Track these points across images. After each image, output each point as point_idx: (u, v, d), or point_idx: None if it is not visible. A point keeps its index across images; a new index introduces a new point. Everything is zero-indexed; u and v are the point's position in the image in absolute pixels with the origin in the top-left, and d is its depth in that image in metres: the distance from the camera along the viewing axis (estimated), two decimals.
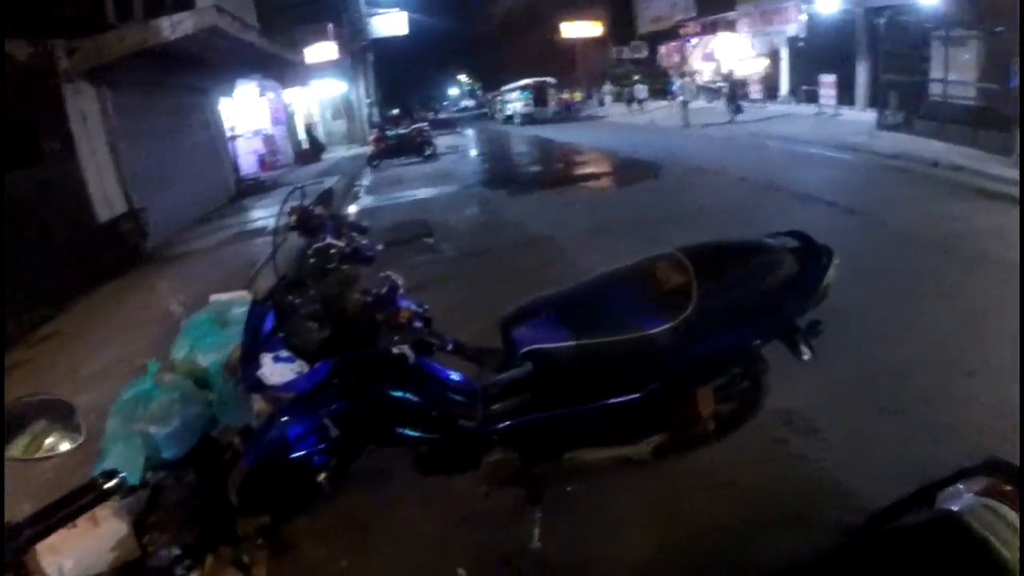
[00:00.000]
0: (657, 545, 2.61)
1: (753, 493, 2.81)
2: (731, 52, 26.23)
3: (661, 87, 29.70)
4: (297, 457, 2.36)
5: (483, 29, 61.71)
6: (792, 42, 21.97)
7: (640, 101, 29.06)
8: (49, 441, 1.35)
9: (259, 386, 2.27)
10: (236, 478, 2.47)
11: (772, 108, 21.90)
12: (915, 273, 5.24)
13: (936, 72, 12.41)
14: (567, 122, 30.72)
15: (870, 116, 14.87)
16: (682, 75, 25.09)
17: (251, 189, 16.01)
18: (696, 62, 29.19)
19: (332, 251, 2.48)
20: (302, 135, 25.02)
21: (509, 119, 36.50)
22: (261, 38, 13.43)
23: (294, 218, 2.74)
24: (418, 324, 2.29)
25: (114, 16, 9.23)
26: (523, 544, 2.55)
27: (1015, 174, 7.91)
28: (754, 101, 23.45)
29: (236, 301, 4.14)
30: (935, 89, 12.46)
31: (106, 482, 1.21)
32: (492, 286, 6.19)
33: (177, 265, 8.77)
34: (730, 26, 26.04)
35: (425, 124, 22.04)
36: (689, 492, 2.84)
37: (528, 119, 33.39)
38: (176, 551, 2.51)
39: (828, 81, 18.29)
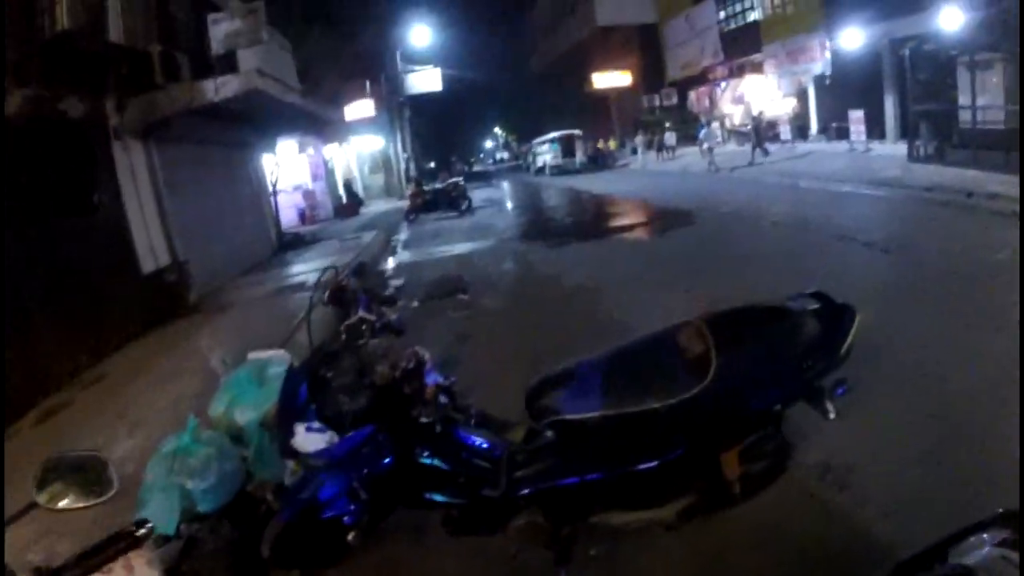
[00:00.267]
0: None
1: (783, 553, 2.76)
2: (760, 93, 26.39)
3: (691, 133, 30.03)
4: (329, 516, 2.42)
5: (517, 82, 63.08)
6: (819, 80, 22.10)
7: (671, 148, 29.37)
8: (74, 495, 1.43)
9: (293, 452, 2.36)
10: (271, 533, 2.53)
11: (802, 147, 21.91)
12: (956, 310, 5.15)
13: (964, 98, 12.32)
14: (598, 171, 31.04)
15: (901, 149, 14.79)
16: (708, 121, 25.27)
17: (292, 243, 16.36)
18: (726, 105, 29.46)
19: (363, 327, 2.57)
20: (341, 190, 25.60)
21: (540, 170, 37.61)
22: (301, 98, 13.91)
23: (328, 293, 2.85)
24: (443, 399, 2.38)
25: (162, 77, 9.68)
26: None
27: None
28: (784, 141, 23.50)
29: (274, 360, 4.22)
30: (964, 116, 12.36)
31: (138, 530, 1.28)
32: (527, 342, 6.19)
33: (219, 317, 8.99)
34: (757, 68, 26.33)
35: (460, 179, 22.45)
36: (717, 554, 2.80)
37: (558, 170, 34.48)
38: None
39: (857, 116, 18.29)
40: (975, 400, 3.72)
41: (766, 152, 20.36)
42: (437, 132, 63.62)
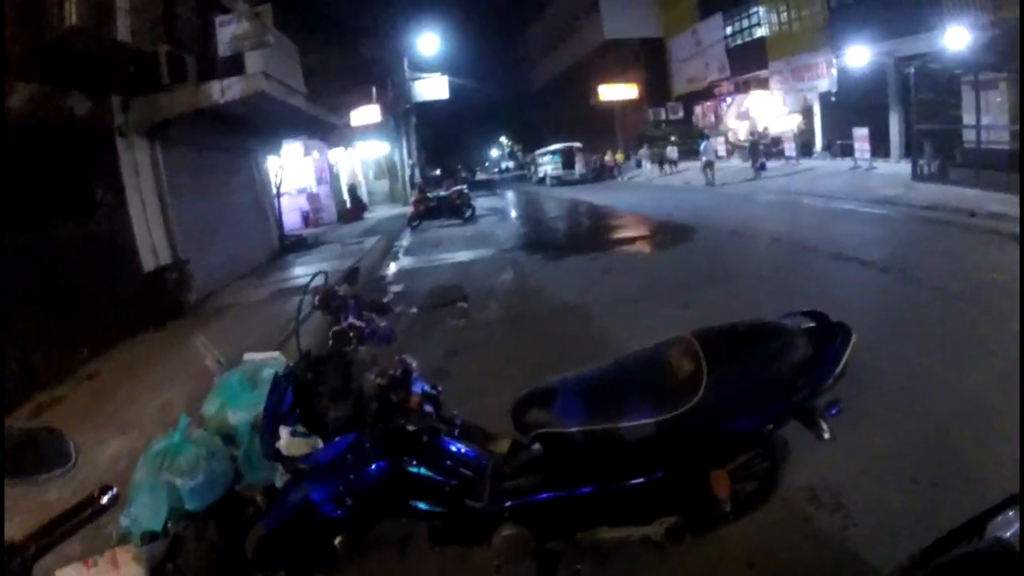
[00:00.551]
0: None
1: (772, 573, 2.74)
2: (765, 110, 26.47)
3: (695, 148, 30.24)
4: (315, 521, 2.41)
5: (524, 92, 63.32)
6: (824, 97, 22.16)
7: (672, 162, 29.49)
8: (30, 470, 1.38)
9: (278, 456, 2.35)
10: (254, 538, 2.52)
11: (806, 164, 21.95)
12: (953, 331, 5.14)
13: (968, 118, 12.35)
14: (598, 182, 31.16)
15: (905, 168, 14.81)
16: (706, 136, 25.38)
17: (294, 246, 16.39)
18: (731, 121, 29.54)
19: (351, 333, 2.57)
20: (345, 194, 25.68)
21: (541, 180, 38.51)
22: (307, 102, 13.94)
23: (318, 299, 2.85)
24: (428, 408, 2.37)
25: (168, 78, 9.72)
26: None
27: None
28: (789, 158, 23.57)
29: (268, 362, 4.23)
30: (968, 135, 12.40)
31: (102, 496, 1.27)
32: (524, 353, 6.21)
33: (218, 318, 8.99)
34: (763, 84, 26.45)
35: (464, 187, 22.53)
36: (704, 573, 2.78)
37: (557, 181, 35.47)
38: None
39: (861, 135, 18.32)
40: (969, 424, 3.70)
41: (764, 167, 20.47)
42: (443, 140, 63.82)
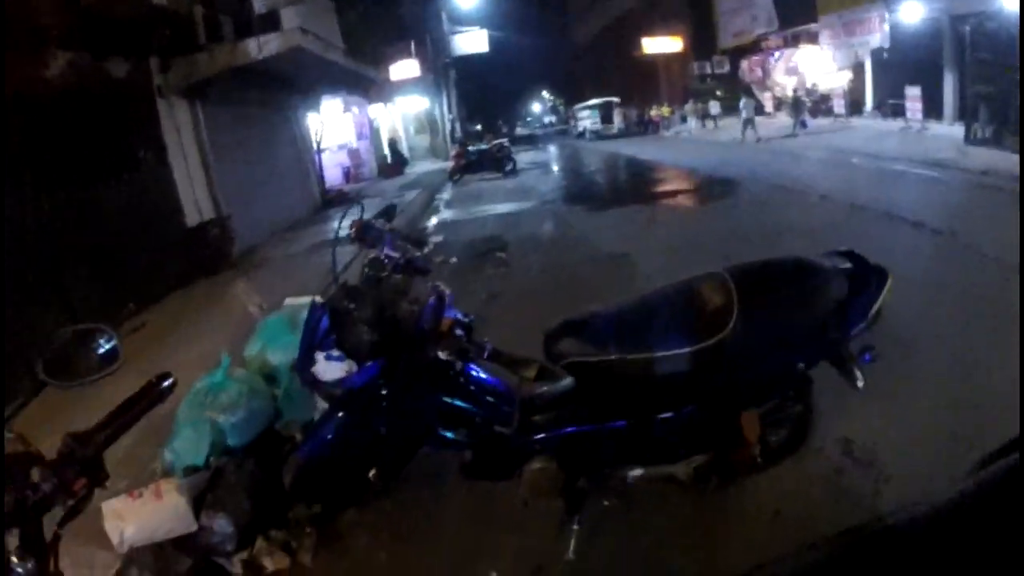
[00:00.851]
0: (692, 568, 2.56)
1: (798, 524, 2.64)
2: (814, 65, 25.50)
3: (735, 104, 29.53)
4: (350, 453, 2.45)
5: (566, 46, 62.27)
6: (876, 53, 21.07)
7: (714, 117, 28.85)
8: (83, 369, 1.48)
9: (314, 382, 2.39)
10: (291, 467, 2.60)
11: (855, 122, 21.19)
12: (1001, 299, 4.95)
13: None
14: (643, 136, 30.73)
15: (958, 131, 14.10)
16: (747, 92, 24.62)
17: (335, 200, 16.49)
18: (779, 76, 28.49)
19: (386, 261, 2.60)
20: (386, 149, 25.71)
21: (581, 135, 38.98)
22: (345, 57, 13.91)
23: (354, 230, 2.87)
24: (459, 332, 2.38)
25: (205, 37, 9.80)
26: (557, 555, 2.53)
27: None
28: (838, 115, 22.77)
29: (308, 305, 4.31)
30: None
31: (161, 382, 1.33)
32: (562, 301, 6.13)
33: (261, 271, 9.18)
34: (813, 38, 25.31)
35: (505, 140, 22.38)
36: (730, 517, 2.76)
37: (596, 135, 36.28)
38: (229, 529, 2.64)
39: (914, 94, 17.44)
40: (1010, 391, 3.58)
41: (805, 124, 19.90)
42: (484, 95, 63.22)
